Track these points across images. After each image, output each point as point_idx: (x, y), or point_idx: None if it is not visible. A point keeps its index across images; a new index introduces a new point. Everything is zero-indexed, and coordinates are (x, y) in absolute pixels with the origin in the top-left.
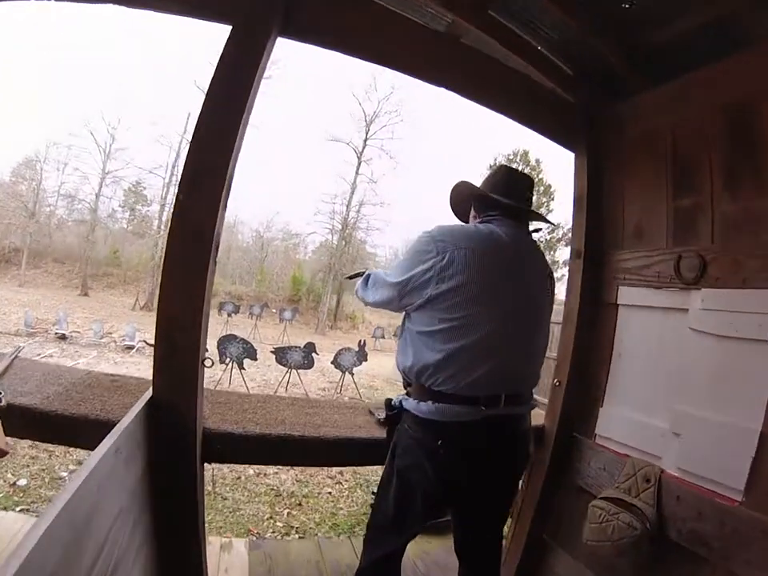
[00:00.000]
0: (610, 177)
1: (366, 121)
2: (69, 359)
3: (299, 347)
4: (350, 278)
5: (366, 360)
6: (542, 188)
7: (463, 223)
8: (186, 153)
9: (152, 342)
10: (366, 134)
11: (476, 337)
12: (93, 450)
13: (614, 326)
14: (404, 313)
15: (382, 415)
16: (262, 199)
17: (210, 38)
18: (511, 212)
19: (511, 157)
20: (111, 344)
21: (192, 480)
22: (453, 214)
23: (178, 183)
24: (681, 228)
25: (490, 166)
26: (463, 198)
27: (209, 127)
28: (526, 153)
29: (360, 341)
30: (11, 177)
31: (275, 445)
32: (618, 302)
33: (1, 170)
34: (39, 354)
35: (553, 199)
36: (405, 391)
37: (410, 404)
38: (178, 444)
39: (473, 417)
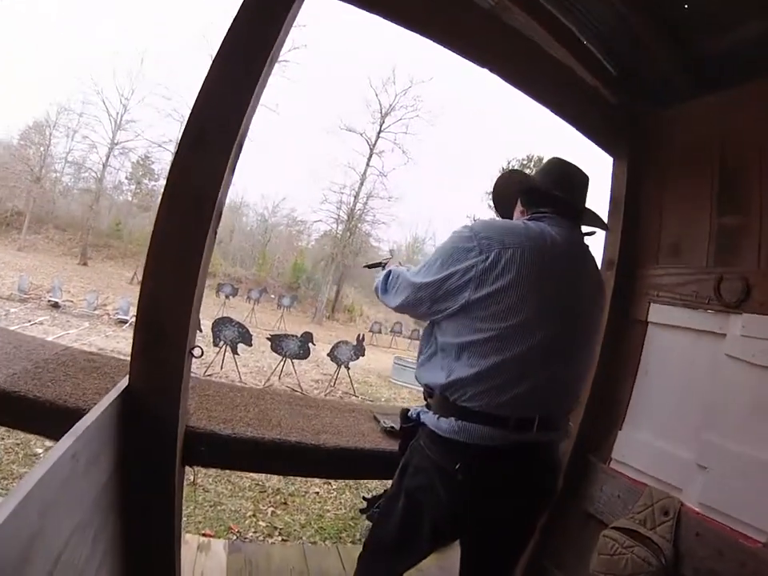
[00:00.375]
0: (649, 186)
1: (381, 113)
2: (59, 328)
3: (296, 336)
4: (369, 266)
5: (363, 355)
6: None
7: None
8: (193, 103)
9: None
10: (381, 126)
11: (516, 351)
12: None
13: (641, 345)
14: (430, 321)
15: (389, 424)
16: (269, 183)
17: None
18: (566, 211)
19: (525, 162)
20: (104, 316)
21: (169, 485)
22: (494, 209)
23: (178, 139)
24: (724, 247)
25: (502, 169)
26: (509, 191)
27: (224, 74)
28: (540, 159)
29: (359, 335)
30: (20, 140)
31: (268, 451)
32: (649, 320)
33: (10, 132)
34: (30, 321)
35: None
36: (424, 402)
37: (429, 419)
38: (155, 443)
39: (502, 441)
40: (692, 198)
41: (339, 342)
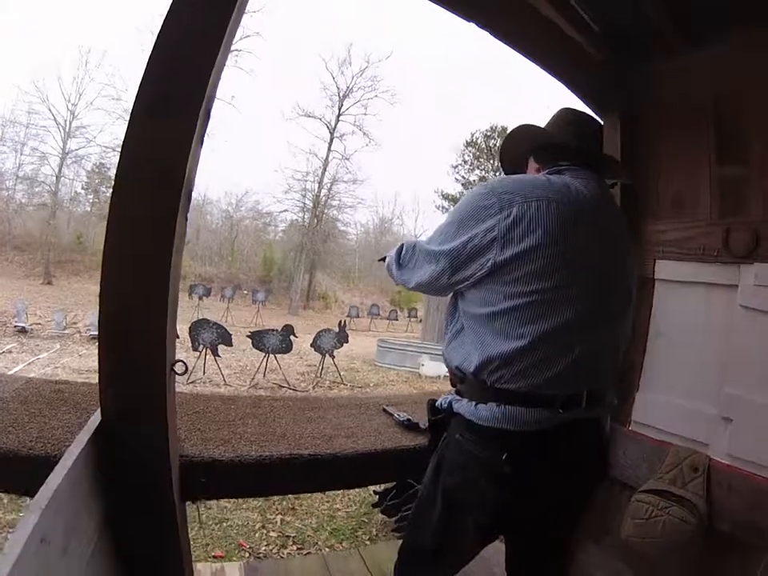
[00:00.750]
0: (644, 142)
1: (339, 96)
2: (29, 354)
3: (276, 330)
4: (382, 260)
5: (346, 341)
6: None
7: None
8: (145, 67)
9: None
10: (339, 109)
11: (559, 317)
12: (32, 496)
13: (650, 303)
14: (453, 293)
15: (404, 416)
16: (231, 178)
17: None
18: (589, 160)
19: (489, 133)
20: (76, 335)
21: (171, 531)
22: (504, 173)
23: (130, 111)
24: (727, 199)
25: (466, 143)
26: (520, 150)
27: (184, 27)
28: (504, 129)
29: (340, 321)
30: None
31: (279, 470)
32: (656, 277)
33: None
34: None
35: None
36: (453, 389)
37: (464, 407)
38: (145, 486)
39: (550, 423)
40: (690, 151)
41: (321, 331)
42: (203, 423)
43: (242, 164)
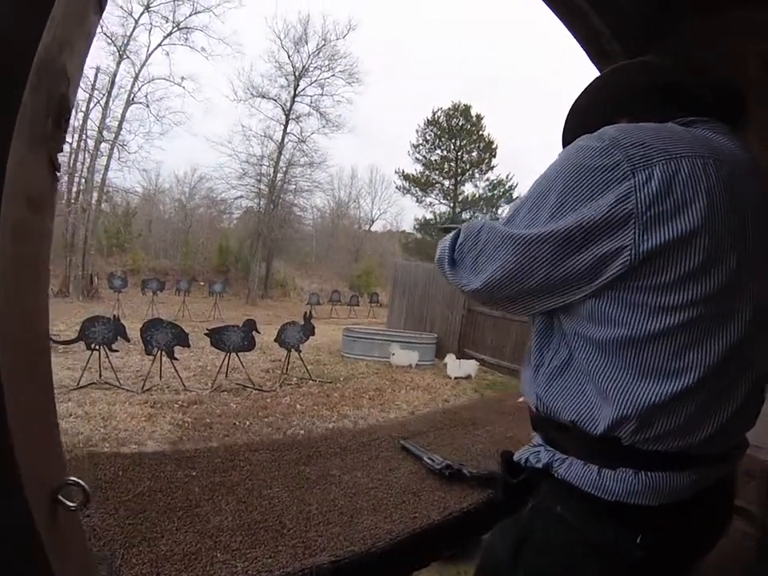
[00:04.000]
0: None
1: (295, 75)
2: None
3: (237, 326)
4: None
5: (313, 334)
6: (482, 144)
7: None
8: None
9: (64, 336)
10: (295, 89)
11: (729, 340)
12: None
13: None
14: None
15: (440, 462)
16: (182, 165)
17: None
18: (723, 111)
19: (451, 111)
20: None
21: None
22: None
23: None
24: None
25: (427, 122)
26: (601, 108)
27: None
28: (467, 107)
29: (305, 313)
30: None
31: None
32: None
33: None
34: None
35: (494, 156)
36: (536, 434)
37: (576, 472)
38: None
39: (695, 488)
40: None
41: (286, 325)
42: (150, 518)
43: (193, 149)
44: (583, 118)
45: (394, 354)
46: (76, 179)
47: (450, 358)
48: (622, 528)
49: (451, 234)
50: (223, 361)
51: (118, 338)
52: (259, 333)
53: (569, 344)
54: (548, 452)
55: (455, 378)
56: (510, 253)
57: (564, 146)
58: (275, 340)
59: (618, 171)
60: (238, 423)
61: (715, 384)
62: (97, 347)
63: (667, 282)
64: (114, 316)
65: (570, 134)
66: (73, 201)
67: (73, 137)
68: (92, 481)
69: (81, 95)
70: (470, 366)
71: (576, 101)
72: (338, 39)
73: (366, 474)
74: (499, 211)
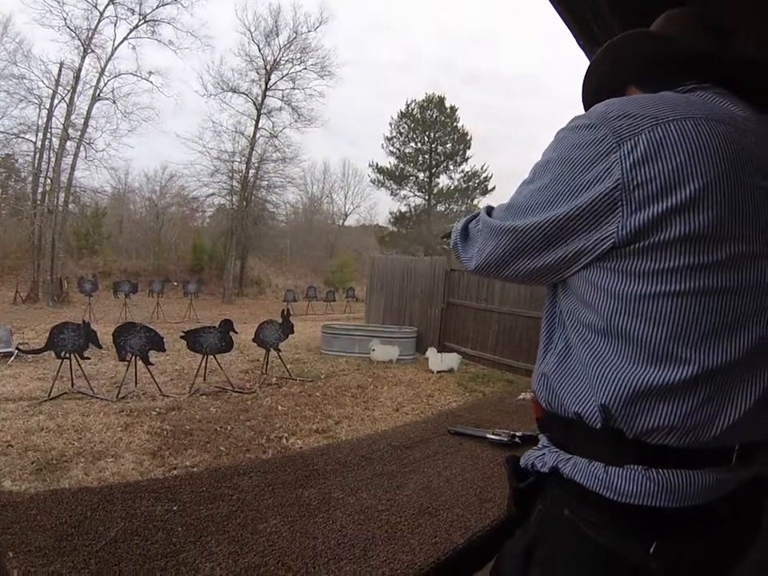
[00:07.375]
0: None
1: (266, 69)
2: None
3: (214, 327)
4: (446, 236)
5: (292, 332)
6: (456, 136)
7: None
8: None
9: (32, 345)
10: (266, 83)
11: (743, 321)
12: None
13: None
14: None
15: (504, 433)
16: (152, 163)
17: None
18: (731, 77)
19: (425, 103)
20: None
21: None
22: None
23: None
24: None
25: (401, 114)
26: (616, 75)
27: None
28: (441, 98)
29: (283, 310)
30: None
31: None
32: None
33: None
34: None
35: (469, 147)
36: (542, 436)
37: (583, 470)
38: None
39: (719, 491)
40: None
41: (264, 324)
42: (127, 572)
43: (163, 147)
44: (602, 84)
45: (374, 350)
46: (41, 180)
47: (432, 352)
48: (633, 533)
49: (463, 220)
50: (200, 363)
51: (90, 344)
52: (237, 333)
53: (562, 327)
54: (553, 453)
55: (438, 372)
56: (502, 243)
57: (585, 108)
58: (253, 339)
59: (603, 145)
60: (219, 428)
61: (733, 370)
62: (67, 355)
63: (662, 256)
64: (84, 321)
65: (593, 96)
66: (38, 202)
67: (37, 135)
68: (56, 525)
69: (44, 91)
70: (451, 360)
71: (591, 67)
72: (309, 32)
73: (373, 495)
74: (475, 202)
